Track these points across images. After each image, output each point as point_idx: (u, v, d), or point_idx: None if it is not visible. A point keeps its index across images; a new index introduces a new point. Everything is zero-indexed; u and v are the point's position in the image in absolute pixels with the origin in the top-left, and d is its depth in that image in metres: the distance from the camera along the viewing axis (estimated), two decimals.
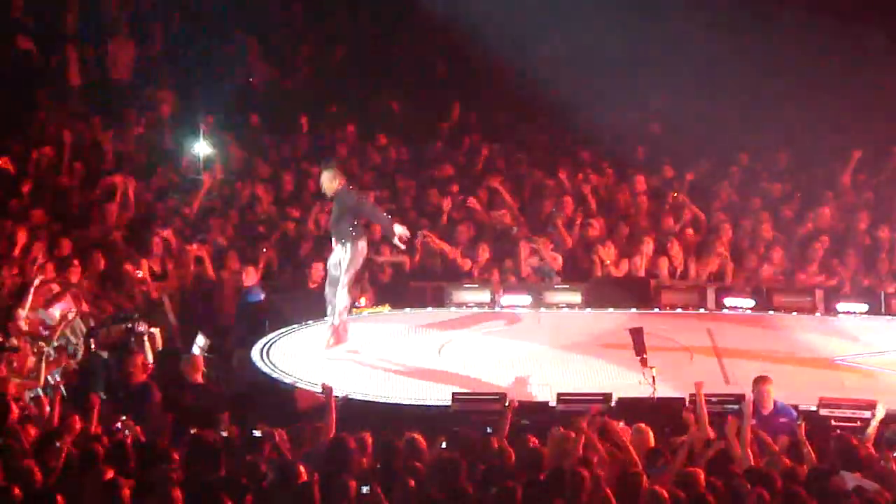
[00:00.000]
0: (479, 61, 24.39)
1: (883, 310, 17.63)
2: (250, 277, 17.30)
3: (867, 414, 13.52)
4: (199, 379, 14.45)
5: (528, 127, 23.19)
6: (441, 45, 24.98)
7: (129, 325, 15.71)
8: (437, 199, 20.04)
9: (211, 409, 13.59)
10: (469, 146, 22.33)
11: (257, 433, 12.30)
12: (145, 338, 15.62)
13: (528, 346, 16.52)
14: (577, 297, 17.97)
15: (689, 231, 19.38)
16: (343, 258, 15.85)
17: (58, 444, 11.34)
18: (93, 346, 15.55)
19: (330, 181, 15.99)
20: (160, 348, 15.87)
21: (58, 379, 13.93)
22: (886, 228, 19.16)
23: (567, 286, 18.21)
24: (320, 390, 13.38)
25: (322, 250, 18.53)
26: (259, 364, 15.56)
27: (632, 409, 13.75)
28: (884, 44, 23.04)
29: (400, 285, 18.38)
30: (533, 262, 18.72)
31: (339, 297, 15.94)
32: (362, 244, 15.97)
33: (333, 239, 16.07)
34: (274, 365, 15.52)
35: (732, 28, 23.85)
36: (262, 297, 17.29)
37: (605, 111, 23.05)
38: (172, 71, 23.39)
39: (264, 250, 18.52)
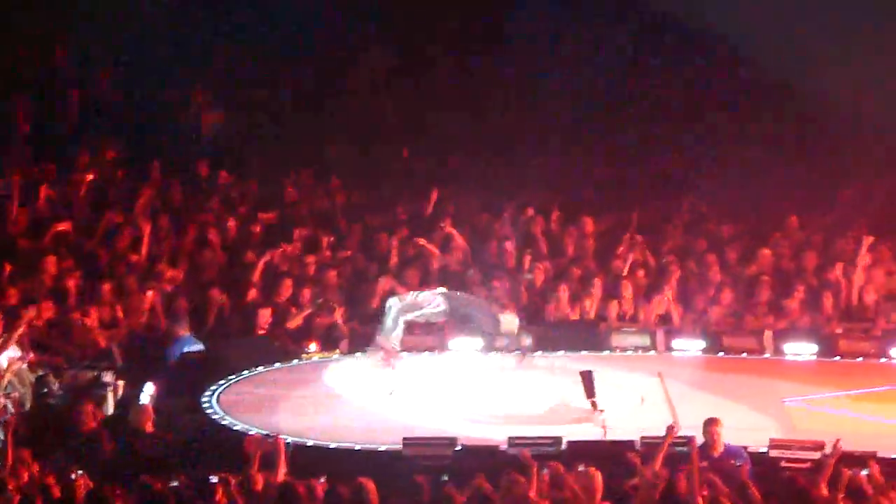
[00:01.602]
0: (430, 104, 24.54)
1: (831, 351, 17.76)
2: (177, 330, 17.22)
3: (817, 455, 13.62)
4: (150, 427, 14.40)
5: (480, 170, 23.21)
6: (390, 88, 25.08)
7: (98, 374, 15.68)
8: (385, 243, 20.04)
9: (162, 458, 13.53)
10: (419, 189, 22.31)
11: (214, 479, 12.26)
12: (110, 389, 15.57)
13: (479, 389, 16.52)
14: (527, 341, 17.99)
15: (640, 273, 19.46)
16: None
17: (8, 493, 11.25)
18: (54, 389, 15.51)
19: None
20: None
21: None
22: (834, 269, 19.29)
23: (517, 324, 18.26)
24: (270, 437, 13.36)
25: (270, 295, 18.54)
26: (208, 411, 15.50)
27: (582, 452, 13.76)
28: (829, 82, 23.28)
29: (351, 330, 18.36)
30: None
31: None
32: None
33: None
34: (224, 412, 15.46)
35: (677, 65, 24.11)
36: (195, 347, 17.19)
37: (552, 152, 23.30)
38: (119, 117, 23.32)
39: (216, 296, 18.44)
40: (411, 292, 16.65)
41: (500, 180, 22.88)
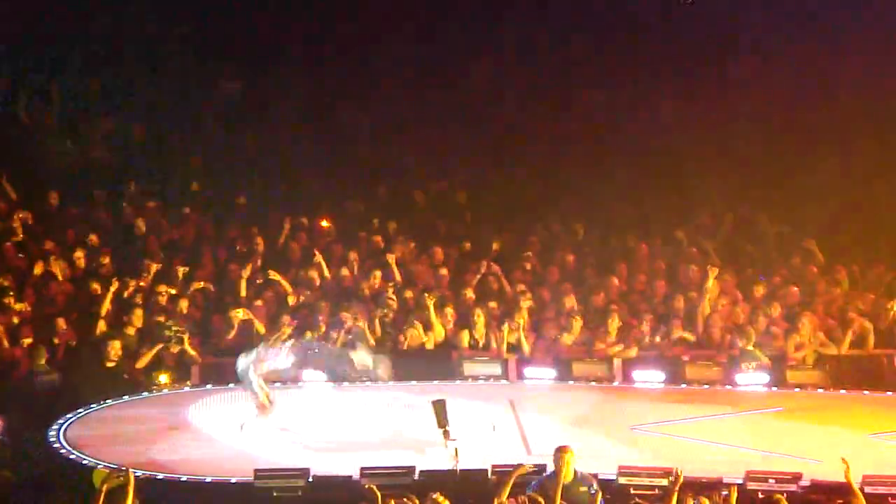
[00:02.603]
0: (284, 132, 24.47)
1: (678, 378, 18.05)
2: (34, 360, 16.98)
3: (665, 482, 13.84)
4: None
5: (336, 198, 23.16)
6: (246, 118, 24.96)
7: None
8: (236, 273, 19.92)
9: (3, 494, 13.29)
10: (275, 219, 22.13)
11: None
12: None
13: (331, 420, 16.50)
14: (380, 371, 17.99)
15: (491, 302, 19.58)
16: None
17: None
18: None
19: None
20: None
21: None
22: (681, 297, 19.62)
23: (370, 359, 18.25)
24: (118, 471, 13.19)
25: (119, 328, 18.31)
26: (55, 445, 15.26)
27: (435, 481, 13.82)
28: (673, 113, 23.75)
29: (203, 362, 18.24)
30: (343, 337, 18.75)
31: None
32: None
33: None
34: (71, 446, 15.23)
35: (521, 98, 24.41)
36: (50, 377, 16.92)
37: (411, 181, 23.37)
38: None
39: (64, 328, 18.18)
40: (258, 348, 16.41)
41: (355, 208, 22.87)
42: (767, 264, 21.18)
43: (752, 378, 17.89)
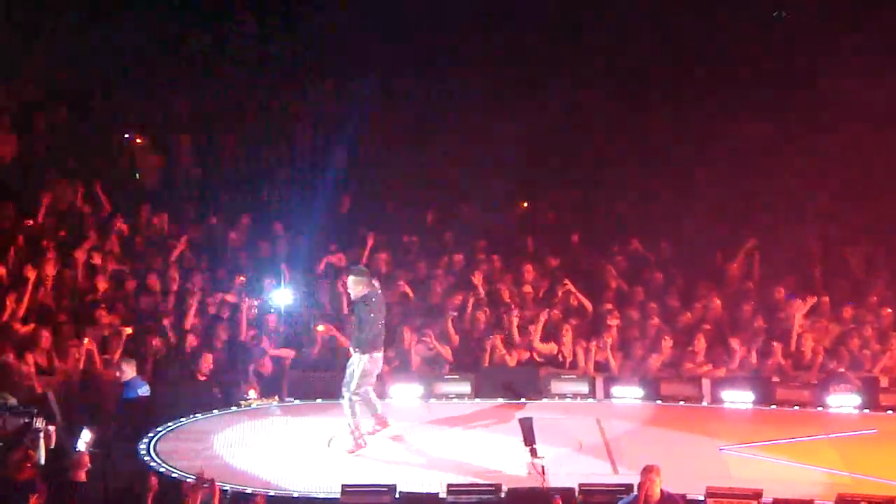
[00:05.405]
0: (372, 151, 24.59)
1: (768, 399, 17.87)
2: (126, 373, 17.10)
3: None
4: (83, 477, 14.23)
5: (418, 216, 23.21)
6: (335, 135, 25.11)
7: (28, 420, 15.46)
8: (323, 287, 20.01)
9: None
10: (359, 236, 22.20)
11: None
12: (41, 434, 15.36)
13: (418, 436, 16.50)
14: (466, 388, 18.01)
15: (577, 320, 19.50)
16: (355, 365, 15.91)
17: None
18: None
19: (355, 286, 16.06)
20: (52, 446, 15.59)
21: None
22: (772, 318, 19.44)
23: (456, 376, 18.25)
24: (204, 483, 13.29)
25: (210, 341, 18.45)
26: (145, 458, 15.38)
27: (522, 499, 13.78)
28: (765, 135, 23.58)
29: (287, 377, 18.30)
30: (421, 350, 18.75)
31: (344, 405, 15.96)
32: (377, 355, 15.98)
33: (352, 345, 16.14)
34: (161, 459, 15.35)
35: (608, 118, 24.36)
36: (144, 389, 17.05)
37: (496, 201, 23.36)
38: (58, 162, 23.15)
39: (154, 343, 18.33)
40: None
41: (442, 226, 22.90)
42: (859, 286, 20.93)
43: (843, 400, 17.69)
